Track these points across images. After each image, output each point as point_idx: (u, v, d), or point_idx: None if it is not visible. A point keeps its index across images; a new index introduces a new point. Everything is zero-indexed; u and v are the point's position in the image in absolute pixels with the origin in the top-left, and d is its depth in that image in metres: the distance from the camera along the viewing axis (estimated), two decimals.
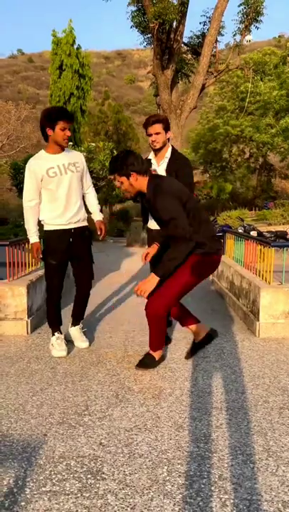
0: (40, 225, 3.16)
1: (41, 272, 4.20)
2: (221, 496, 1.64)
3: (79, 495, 1.64)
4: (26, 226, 3.15)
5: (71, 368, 2.92)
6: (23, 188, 3.11)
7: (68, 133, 2.95)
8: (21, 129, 36.01)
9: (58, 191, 3.03)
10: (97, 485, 1.70)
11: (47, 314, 3.28)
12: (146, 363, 2.88)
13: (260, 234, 11.92)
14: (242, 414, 2.28)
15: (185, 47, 10.71)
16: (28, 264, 4.18)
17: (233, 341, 3.49)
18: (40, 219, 3.13)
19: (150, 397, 2.47)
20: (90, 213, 3.36)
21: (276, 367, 2.94)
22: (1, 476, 1.76)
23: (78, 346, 3.31)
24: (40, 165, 2.99)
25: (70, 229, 3.12)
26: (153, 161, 3.27)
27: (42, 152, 3.09)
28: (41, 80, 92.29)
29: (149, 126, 3.15)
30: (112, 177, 2.74)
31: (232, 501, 1.61)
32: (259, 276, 4.04)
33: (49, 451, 1.93)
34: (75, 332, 3.36)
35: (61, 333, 3.24)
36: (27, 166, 3.05)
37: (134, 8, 8.55)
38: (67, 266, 3.25)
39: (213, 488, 1.69)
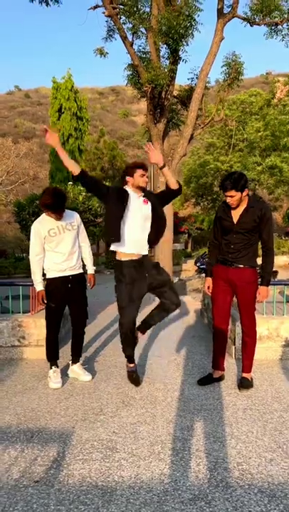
0: (43, 274, 3.75)
1: None
2: (197, 460, 2.46)
3: (102, 461, 2.46)
4: (33, 277, 3.70)
5: (86, 383, 3.74)
6: (30, 245, 3.70)
7: (58, 217, 3.62)
8: (20, 164, 37.43)
9: (58, 247, 3.65)
10: (114, 455, 2.52)
11: (46, 350, 3.82)
12: (250, 384, 3.57)
13: None
14: (216, 413, 3.11)
15: (175, 99, 11.89)
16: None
17: None
18: (44, 267, 3.72)
19: (148, 403, 3.29)
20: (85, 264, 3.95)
21: None
22: (47, 451, 2.57)
23: (82, 380, 3.77)
24: (43, 226, 3.62)
25: (69, 276, 3.70)
26: (132, 193, 3.52)
27: (44, 216, 3.69)
28: (37, 115, 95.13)
29: (139, 171, 3.49)
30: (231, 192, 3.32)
31: (204, 463, 2.43)
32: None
33: (78, 437, 2.75)
34: (77, 369, 3.86)
35: (57, 367, 3.77)
36: (32, 227, 3.67)
37: (129, 73, 9.80)
38: (64, 308, 3.83)
39: (192, 456, 2.51)
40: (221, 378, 3.76)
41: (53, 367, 3.78)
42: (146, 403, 3.28)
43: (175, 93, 11.39)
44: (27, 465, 2.42)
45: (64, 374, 3.85)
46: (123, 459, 2.48)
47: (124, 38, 9.51)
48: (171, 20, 8.96)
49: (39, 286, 3.70)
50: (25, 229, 15.79)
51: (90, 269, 3.98)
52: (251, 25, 10.14)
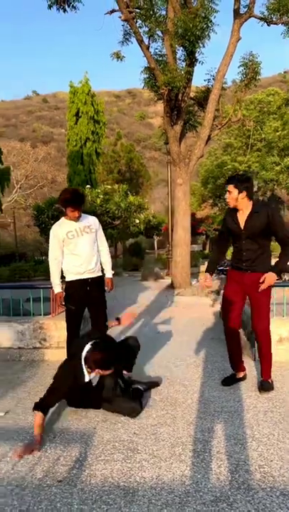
0: (62, 276, 3.81)
1: None
2: (218, 462, 2.47)
3: (123, 462, 2.49)
4: (52, 279, 3.78)
5: None
6: (49, 248, 3.78)
7: (76, 214, 3.65)
8: (38, 168, 37.98)
9: (76, 249, 3.70)
10: (135, 456, 2.54)
11: (67, 351, 3.82)
12: (270, 386, 3.53)
13: None
14: (236, 415, 3.10)
15: (191, 100, 11.87)
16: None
17: None
18: (63, 270, 3.78)
19: (168, 404, 3.30)
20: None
21: None
22: (70, 451, 2.61)
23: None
24: (62, 229, 3.71)
25: (87, 279, 3.75)
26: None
27: (63, 219, 3.78)
28: (55, 119, 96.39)
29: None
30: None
31: (225, 465, 2.43)
32: None
33: (99, 438, 2.78)
34: None
35: None
36: (51, 230, 3.78)
37: (146, 76, 9.85)
38: (84, 310, 3.85)
39: (213, 458, 2.51)
40: (244, 378, 3.79)
41: None
42: (167, 405, 3.29)
43: (192, 95, 11.39)
44: (50, 465, 2.46)
45: None
46: (144, 460, 2.50)
47: (140, 42, 9.56)
48: (187, 22, 8.97)
49: (57, 288, 3.78)
50: (45, 232, 16.00)
51: (108, 273, 4.02)
52: (268, 25, 10.08)
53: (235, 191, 3.32)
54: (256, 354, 4.35)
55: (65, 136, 24.60)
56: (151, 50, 9.91)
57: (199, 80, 11.92)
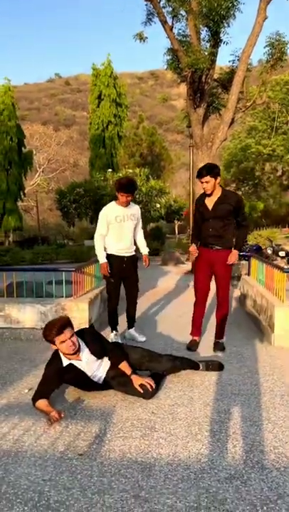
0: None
1: (97, 290, 5.23)
2: (234, 442, 2.53)
3: (141, 439, 2.58)
4: (98, 253, 4.38)
5: None
6: (97, 226, 4.40)
7: (125, 200, 4.25)
8: (60, 152, 38.14)
9: (119, 232, 4.35)
10: (152, 434, 2.63)
11: (108, 318, 4.53)
12: (224, 346, 4.25)
13: (288, 254, 12.58)
14: (253, 398, 3.15)
15: (215, 82, 11.66)
16: (86, 284, 5.21)
17: (253, 349, 4.34)
18: (105, 246, 4.38)
19: (186, 386, 3.37)
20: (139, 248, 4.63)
21: (284, 368, 3.78)
22: (90, 427, 2.72)
23: (137, 341, 4.47)
24: (111, 212, 4.32)
25: (124, 257, 4.39)
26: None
27: (113, 203, 4.38)
28: (77, 102, 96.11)
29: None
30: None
31: (240, 445, 2.50)
32: (276, 295, 4.88)
33: (118, 416, 2.88)
34: (133, 332, 4.61)
35: (117, 331, 4.53)
36: (102, 211, 4.33)
37: (169, 58, 9.71)
38: (121, 283, 4.46)
39: (228, 438, 2.58)
40: (199, 341, 4.44)
41: (114, 331, 4.53)
42: (184, 386, 3.36)
43: (215, 76, 11.19)
44: (71, 439, 2.57)
45: (121, 338, 4.53)
46: (161, 438, 2.58)
47: (163, 22, 9.42)
48: (211, 1, 8.78)
49: (103, 259, 4.35)
50: (66, 216, 16.18)
51: (145, 251, 4.64)
52: None
53: (212, 180, 3.99)
54: (276, 340, 4.38)
55: (88, 120, 24.60)
56: (175, 30, 9.76)
57: (224, 60, 11.64)
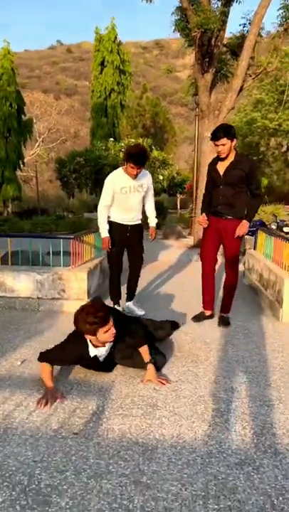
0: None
1: (97, 260, 4.98)
2: (243, 424, 2.32)
3: (142, 417, 2.36)
4: (100, 225, 4.05)
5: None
6: (101, 195, 4.00)
7: (134, 172, 3.80)
8: (61, 121, 37.20)
9: (124, 202, 4.01)
10: (155, 412, 2.42)
11: (109, 290, 4.27)
12: (229, 321, 4.03)
13: None
14: (262, 376, 2.93)
15: (224, 48, 11.10)
16: (85, 254, 4.95)
17: (259, 324, 4.12)
18: (108, 215, 4.06)
19: (190, 361, 3.16)
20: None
21: None
22: (86, 404, 2.51)
23: (137, 315, 4.12)
24: (118, 181, 3.92)
25: (128, 225, 4.10)
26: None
27: (121, 170, 3.95)
28: (80, 71, 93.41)
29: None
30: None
31: (250, 427, 2.29)
32: (285, 269, 4.62)
33: (118, 391, 2.67)
34: (132, 306, 4.32)
35: (119, 306, 4.22)
36: (107, 179, 3.96)
37: (177, 17, 9.14)
38: (123, 252, 4.18)
39: (237, 419, 2.37)
40: (211, 316, 4.21)
41: (115, 305, 4.22)
42: (188, 362, 3.15)
43: (225, 42, 10.62)
44: (66, 416, 2.37)
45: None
46: (164, 416, 2.37)
47: None
48: None
49: (104, 232, 4.04)
50: (66, 186, 15.77)
51: (153, 223, 4.30)
52: None
53: (228, 142, 3.63)
54: (284, 316, 4.16)
55: (89, 89, 23.78)
56: None
57: (234, 25, 11.03)
